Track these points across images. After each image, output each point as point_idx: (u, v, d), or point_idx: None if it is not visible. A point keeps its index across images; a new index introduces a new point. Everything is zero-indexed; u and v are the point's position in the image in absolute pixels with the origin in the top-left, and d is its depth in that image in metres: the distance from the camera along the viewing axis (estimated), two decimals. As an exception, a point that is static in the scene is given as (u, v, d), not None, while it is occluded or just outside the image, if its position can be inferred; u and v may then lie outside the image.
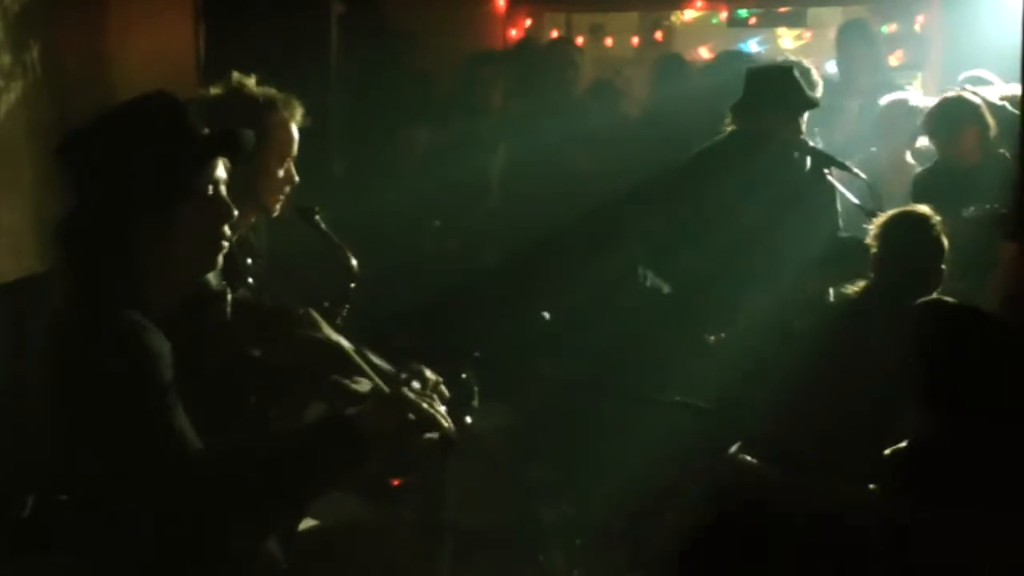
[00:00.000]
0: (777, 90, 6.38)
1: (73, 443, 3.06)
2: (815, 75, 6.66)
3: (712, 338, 6.26)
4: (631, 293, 6.53)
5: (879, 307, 5.37)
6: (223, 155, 3.21)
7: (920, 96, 8.21)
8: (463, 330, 6.09)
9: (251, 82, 4.10)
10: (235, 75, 4.09)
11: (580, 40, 10.35)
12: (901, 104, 7.88)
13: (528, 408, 5.69)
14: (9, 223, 5.93)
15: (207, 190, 3.17)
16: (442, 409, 3.24)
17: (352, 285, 4.24)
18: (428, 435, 3.21)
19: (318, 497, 3.30)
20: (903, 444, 4.56)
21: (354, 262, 4.26)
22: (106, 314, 3.03)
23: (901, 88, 8.55)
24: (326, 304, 4.11)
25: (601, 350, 5.81)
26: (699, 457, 5.00)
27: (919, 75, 9.94)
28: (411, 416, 3.17)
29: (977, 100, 7.00)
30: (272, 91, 4.12)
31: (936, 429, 4.12)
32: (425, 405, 3.19)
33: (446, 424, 3.21)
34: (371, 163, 6.98)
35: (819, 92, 6.59)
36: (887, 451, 4.78)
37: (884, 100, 7.98)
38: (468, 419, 3.75)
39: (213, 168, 3.19)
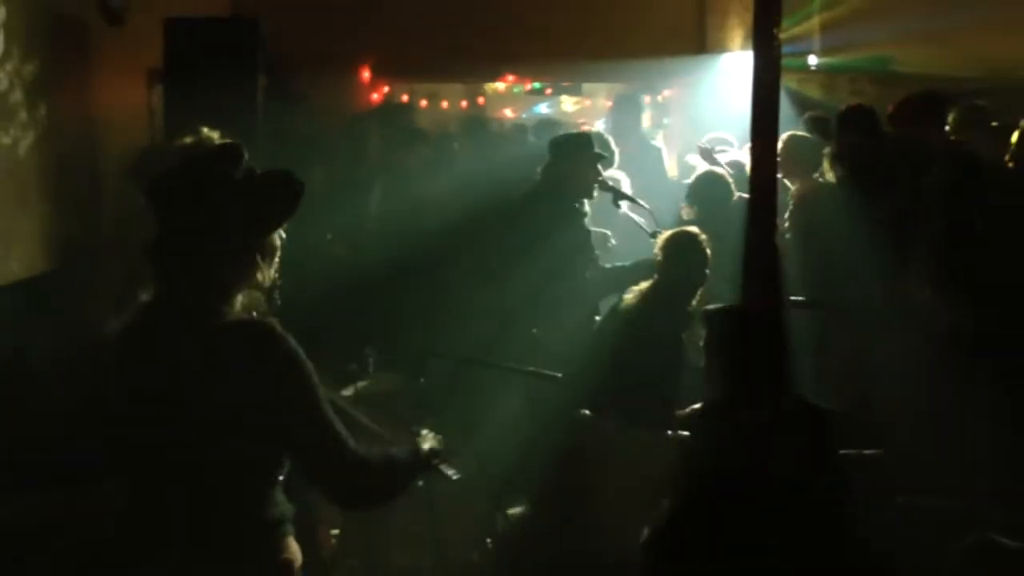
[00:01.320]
0: (580, 147, 6.49)
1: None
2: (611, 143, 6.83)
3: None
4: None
5: (662, 297, 5.51)
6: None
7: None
8: (359, 317, 6.05)
9: (216, 135, 3.99)
10: (204, 130, 3.92)
11: (424, 103, 10.53)
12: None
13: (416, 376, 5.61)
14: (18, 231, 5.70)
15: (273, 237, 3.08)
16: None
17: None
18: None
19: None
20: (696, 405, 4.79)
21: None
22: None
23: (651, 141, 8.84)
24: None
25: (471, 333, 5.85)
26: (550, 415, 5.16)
27: (660, 132, 10.24)
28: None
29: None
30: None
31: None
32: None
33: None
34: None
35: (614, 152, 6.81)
36: (680, 412, 4.97)
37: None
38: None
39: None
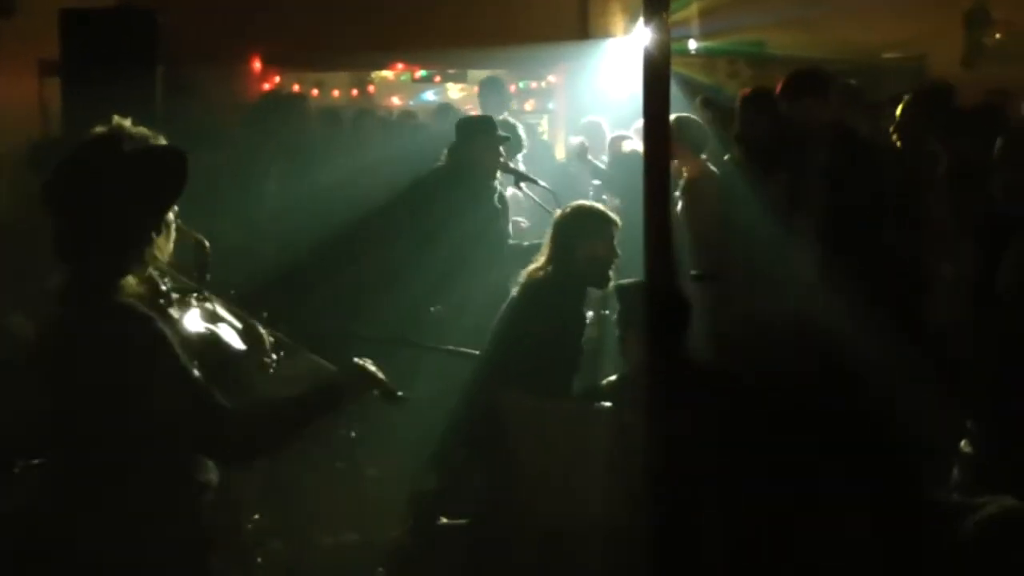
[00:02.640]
0: (484, 129, 6.58)
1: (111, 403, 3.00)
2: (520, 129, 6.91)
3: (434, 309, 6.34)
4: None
5: (560, 272, 5.53)
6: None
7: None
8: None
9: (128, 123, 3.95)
10: (115, 118, 3.86)
11: (315, 92, 10.46)
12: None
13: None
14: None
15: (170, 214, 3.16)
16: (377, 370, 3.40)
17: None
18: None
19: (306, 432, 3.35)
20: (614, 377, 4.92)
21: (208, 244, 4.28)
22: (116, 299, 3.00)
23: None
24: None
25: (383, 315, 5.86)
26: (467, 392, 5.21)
27: (545, 117, 10.36)
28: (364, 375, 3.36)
29: None
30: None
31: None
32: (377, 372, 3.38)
33: (389, 384, 3.43)
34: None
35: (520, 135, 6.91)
36: (603, 381, 5.08)
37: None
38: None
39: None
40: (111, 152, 3.06)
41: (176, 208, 3.19)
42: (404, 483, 5.51)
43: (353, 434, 5.56)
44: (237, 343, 3.40)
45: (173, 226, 3.18)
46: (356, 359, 3.38)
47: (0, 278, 5.69)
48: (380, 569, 5.24)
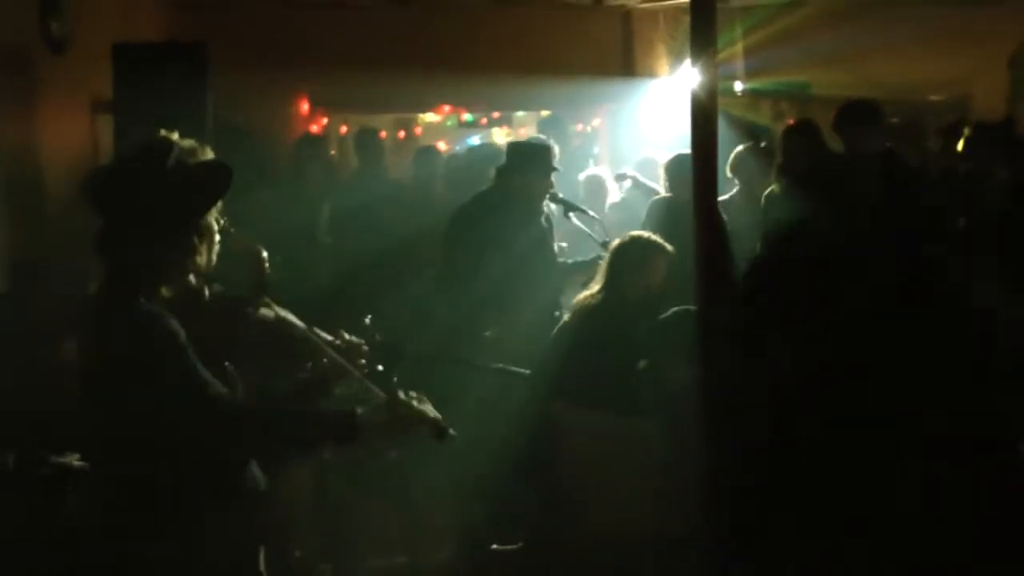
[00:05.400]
0: (539, 155, 6.52)
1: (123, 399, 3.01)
2: (555, 150, 6.86)
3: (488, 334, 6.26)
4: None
5: (613, 302, 5.53)
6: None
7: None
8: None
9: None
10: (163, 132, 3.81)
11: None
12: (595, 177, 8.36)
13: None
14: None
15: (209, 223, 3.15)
16: (428, 407, 3.22)
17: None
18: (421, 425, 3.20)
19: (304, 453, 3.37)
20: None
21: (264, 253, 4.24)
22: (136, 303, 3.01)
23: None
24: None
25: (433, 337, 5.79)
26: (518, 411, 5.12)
27: (591, 161, 10.34)
28: (403, 412, 3.16)
29: None
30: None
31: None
32: (415, 403, 3.19)
33: (432, 417, 3.22)
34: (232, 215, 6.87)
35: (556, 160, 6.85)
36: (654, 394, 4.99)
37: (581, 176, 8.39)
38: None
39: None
40: (153, 157, 3.08)
41: (226, 218, 3.22)
42: (453, 506, 5.41)
43: (395, 455, 5.48)
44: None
45: (217, 235, 3.19)
46: (402, 394, 3.21)
47: (52, 312, 5.71)
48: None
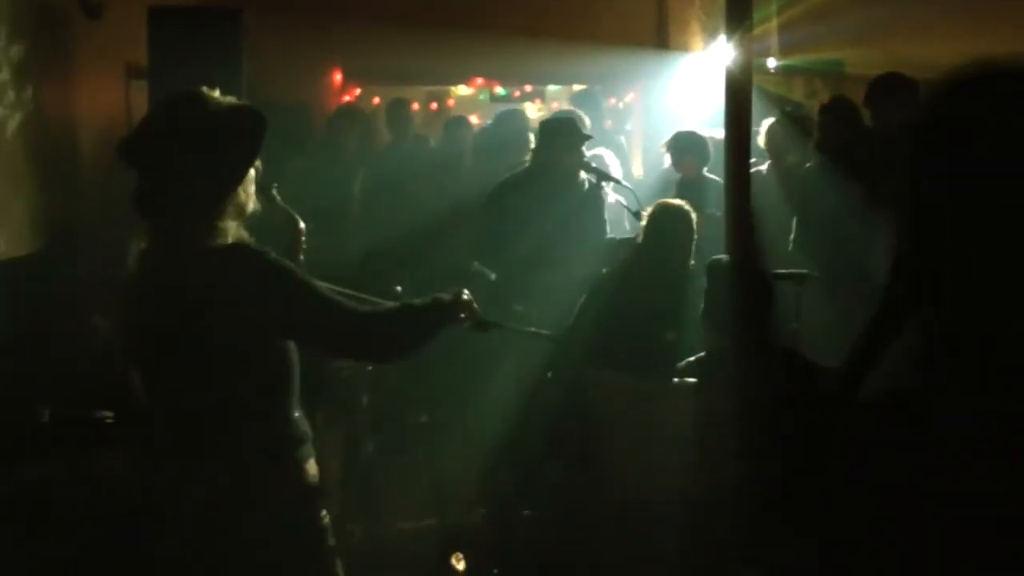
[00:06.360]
0: (567, 130, 6.53)
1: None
2: (586, 120, 6.84)
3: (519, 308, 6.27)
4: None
5: (649, 266, 5.56)
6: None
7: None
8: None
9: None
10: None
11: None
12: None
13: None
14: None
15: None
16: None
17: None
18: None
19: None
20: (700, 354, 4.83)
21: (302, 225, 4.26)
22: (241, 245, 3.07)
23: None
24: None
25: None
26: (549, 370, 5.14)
27: (622, 137, 10.30)
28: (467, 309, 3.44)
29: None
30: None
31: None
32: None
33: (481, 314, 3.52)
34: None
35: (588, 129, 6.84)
36: (680, 363, 5.01)
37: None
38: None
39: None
40: (192, 106, 3.08)
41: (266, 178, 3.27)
42: (479, 469, 5.42)
43: (426, 419, 5.51)
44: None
45: (253, 187, 3.19)
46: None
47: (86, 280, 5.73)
48: (458, 554, 5.15)
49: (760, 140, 7.46)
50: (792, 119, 7.72)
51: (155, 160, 3.04)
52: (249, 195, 3.17)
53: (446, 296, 3.39)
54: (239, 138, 3.08)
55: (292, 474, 3.13)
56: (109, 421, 4.40)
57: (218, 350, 2.99)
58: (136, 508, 3.39)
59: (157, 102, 3.21)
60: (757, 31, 9.30)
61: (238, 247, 3.05)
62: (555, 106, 10.37)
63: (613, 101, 10.53)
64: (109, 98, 7.18)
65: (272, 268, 3.03)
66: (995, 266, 1.50)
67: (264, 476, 3.06)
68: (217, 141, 3.04)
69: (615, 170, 7.22)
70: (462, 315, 3.43)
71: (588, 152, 6.68)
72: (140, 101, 6.95)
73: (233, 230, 3.11)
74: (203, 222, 3.04)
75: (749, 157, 4.71)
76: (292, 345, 3.14)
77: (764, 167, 7.57)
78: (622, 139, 9.68)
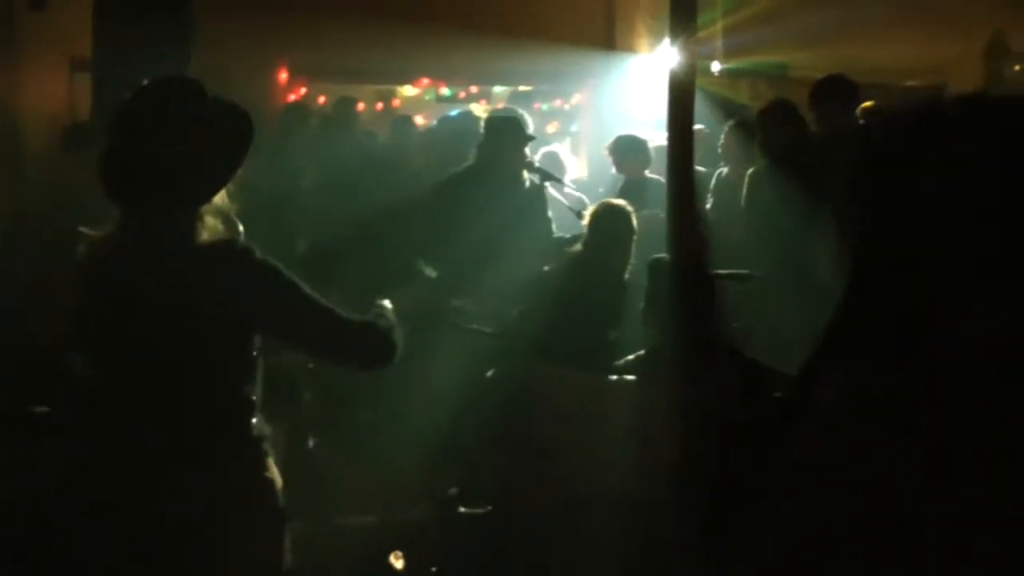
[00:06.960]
0: (513, 128, 6.53)
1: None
2: (528, 120, 6.87)
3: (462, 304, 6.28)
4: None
5: (591, 264, 5.61)
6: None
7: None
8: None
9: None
10: None
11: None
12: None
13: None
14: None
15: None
16: None
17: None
18: None
19: None
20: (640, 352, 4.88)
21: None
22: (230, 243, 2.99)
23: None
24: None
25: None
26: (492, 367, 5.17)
27: (567, 139, 10.36)
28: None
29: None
30: None
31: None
32: None
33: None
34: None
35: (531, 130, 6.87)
36: (618, 362, 5.05)
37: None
38: None
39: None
40: (196, 96, 2.97)
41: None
42: (423, 467, 5.42)
43: (368, 415, 5.51)
44: None
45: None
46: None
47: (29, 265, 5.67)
48: (398, 552, 5.15)
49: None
50: (740, 123, 7.81)
51: (150, 144, 2.90)
52: (229, 192, 3.07)
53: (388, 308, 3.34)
54: (238, 134, 3.01)
55: (259, 471, 3.09)
56: (46, 417, 4.33)
57: (197, 345, 2.93)
58: (81, 504, 3.33)
59: (150, 82, 3.03)
60: (702, 34, 9.38)
61: (225, 243, 2.96)
62: (500, 107, 10.36)
63: (559, 102, 10.56)
64: (52, 89, 7.12)
65: (259, 266, 2.95)
66: (953, 277, 1.53)
67: (233, 473, 3.02)
68: (221, 135, 2.96)
69: (570, 167, 7.26)
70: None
71: (542, 149, 6.69)
72: (84, 94, 6.89)
73: (211, 225, 3.01)
74: (190, 215, 2.94)
75: (692, 158, 4.76)
76: (261, 343, 3.08)
77: (726, 169, 7.65)
78: (565, 144, 9.77)
